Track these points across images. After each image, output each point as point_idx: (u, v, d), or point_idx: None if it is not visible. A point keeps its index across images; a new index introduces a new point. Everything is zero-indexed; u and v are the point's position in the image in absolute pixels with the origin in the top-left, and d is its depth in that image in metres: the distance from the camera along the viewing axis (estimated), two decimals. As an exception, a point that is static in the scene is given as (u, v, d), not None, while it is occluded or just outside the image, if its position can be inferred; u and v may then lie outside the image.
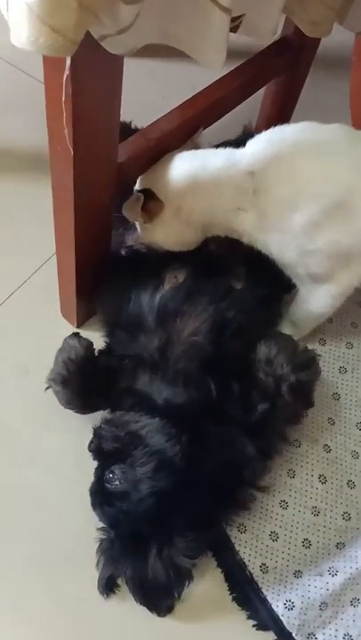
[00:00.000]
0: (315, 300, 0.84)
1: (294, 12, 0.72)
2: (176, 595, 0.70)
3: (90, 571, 0.71)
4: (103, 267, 0.83)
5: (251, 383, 0.74)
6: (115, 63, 0.55)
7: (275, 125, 0.77)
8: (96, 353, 0.80)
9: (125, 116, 0.84)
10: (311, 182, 0.72)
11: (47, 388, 0.79)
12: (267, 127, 0.78)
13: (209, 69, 0.58)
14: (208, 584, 0.75)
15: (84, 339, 0.79)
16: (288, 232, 0.74)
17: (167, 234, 0.79)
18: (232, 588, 0.74)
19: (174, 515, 0.69)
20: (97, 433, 0.72)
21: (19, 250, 1.01)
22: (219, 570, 0.76)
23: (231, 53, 0.73)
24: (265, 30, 0.66)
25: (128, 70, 0.59)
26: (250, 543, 0.77)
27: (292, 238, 0.75)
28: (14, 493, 0.79)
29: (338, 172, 0.73)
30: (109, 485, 0.69)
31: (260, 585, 0.74)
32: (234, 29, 0.65)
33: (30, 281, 0.97)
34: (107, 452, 0.71)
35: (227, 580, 0.75)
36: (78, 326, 0.91)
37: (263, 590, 0.74)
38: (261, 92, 1.02)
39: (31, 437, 0.83)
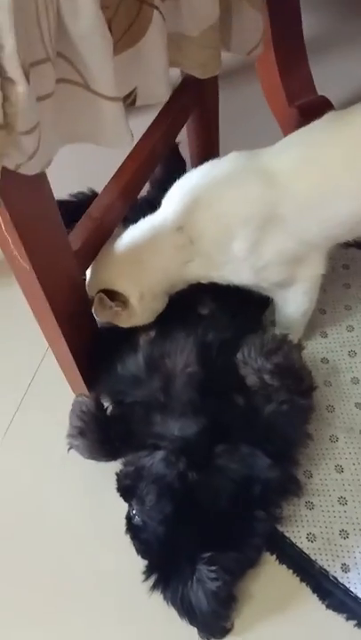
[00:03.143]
0: (291, 303, 0.88)
1: (181, 63, 0.77)
2: (224, 617, 0.74)
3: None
4: (97, 343, 0.87)
5: (252, 391, 0.79)
6: (38, 175, 0.60)
7: (207, 158, 0.83)
8: (109, 406, 0.85)
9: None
10: (234, 213, 0.77)
11: (69, 449, 0.83)
12: (200, 162, 0.83)
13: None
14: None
15: (91, 392, 0.84)
16: (236, 260, 0.79)
17: (143, 314, 0.84)
18: (323, 598, 0.76)
19: (192, 539, 0.74)
20: (116, 475, 0.79)
21: (19, 350, 1.06)
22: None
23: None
24: (160, 93, 0.70)
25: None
26: (324, 549, 0.79)
27: (242, 263, 0.79)
28: (99, 581, 0.82)
29: (250, 192, 0.77)
30: (134, 521, 0.76)
31: (348, 585, 0.76)
32: (132, 103, 0.70)
33: (36, 378, 1.02)
34: (124, 490, 0.78)
35: (315, 591, 0.77)
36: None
37: (352, 589, 0.76)
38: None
39: (90, 522, 0.87)
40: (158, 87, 0.69)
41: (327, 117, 0.80)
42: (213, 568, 0.72)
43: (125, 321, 0.84)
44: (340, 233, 0.82)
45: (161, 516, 0.74)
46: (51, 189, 0.64)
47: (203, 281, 0.84)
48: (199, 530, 0.75)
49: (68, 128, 0.59)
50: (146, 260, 0.80)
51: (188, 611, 0.74)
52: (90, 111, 0.57)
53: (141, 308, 0.82)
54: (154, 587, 0.76)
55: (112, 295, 0.80)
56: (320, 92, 1.22)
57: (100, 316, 0.80)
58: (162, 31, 0.64)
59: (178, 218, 0.78)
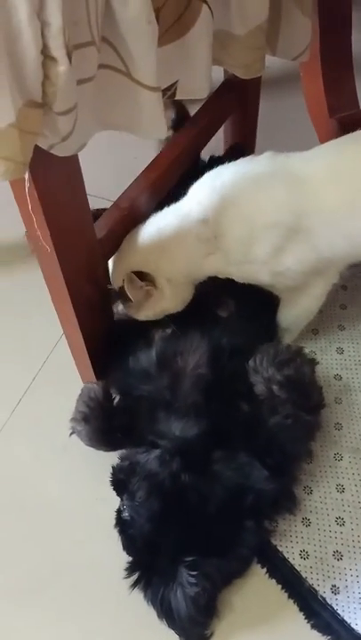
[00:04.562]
0: (299, 306, 0.88)
1: (224, 61, 0.76)
2: (202, 625, 0.73)
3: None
4: (111, 334, 0.87)
5: (258, 401, 0.78)
6: (69, 158, 0.60)
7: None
8: (115, 396, 0.84)
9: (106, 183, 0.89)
10: (261, 217, 0.76)
11: (71, 434, 0.83)
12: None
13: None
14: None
15: (101, 380, 0.84)
16: (255, 262, 0.78)
17: (172, 298, 0.83)
18: (309, 617, 0.75)
19: (177, 541, 0.73)
20: (112, 468, 0.79)
21: (33, 333, 1.06)
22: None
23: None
24: (201, 88, 0.70)
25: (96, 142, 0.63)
26: (316, 568, 0.78)
27: (260, 266, 0.79)
28: (83, 570, 0.81)
29: (280, 198, 0.76)
30: (123, 515, 0.76)
31: (335, 607, 0.74)
32: (172, 96, 0.70)
33: (48, 362, 1.02)
34: (117, 483, 0.77)
35: (301, 609, 0.75)
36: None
37: (339, 612, 0.74)
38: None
39: (83, 511, 0.86)
40: (199, 83, 0.69)
41: None
42: (194, 573, 0.71)
43: (156, 303, 0.83)
44: None
45: (149, 514, 0.74)
46: (81, 174, 0.64)
47: (220, 275, 0.83)
48: (185, 532, 0.74)
49: (106, 114, 0.58)
50: (170, 247, 0.79)
51: (166, 613, 0.73)
52: (129, 99, 0.57)
53: (170, 291, 0.81)
54: (135, 584, 0.75)
55: (140, 278, 0.80)
56: (363, 108, 1.20)
57: (132, 296, 0.79)
58: (209, 27, 0.64)
59: (204, 210, 0.78)
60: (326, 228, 0.76)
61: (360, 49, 1.22)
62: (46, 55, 0.46)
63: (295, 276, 0.81)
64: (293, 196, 0.76)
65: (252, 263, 0.79)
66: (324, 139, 1.22)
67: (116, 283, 0.82)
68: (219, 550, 0.75)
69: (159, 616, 0.73)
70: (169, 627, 0.73)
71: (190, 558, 0.72)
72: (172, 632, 0.73)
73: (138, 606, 0.75)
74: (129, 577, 0.76)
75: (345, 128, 1.16)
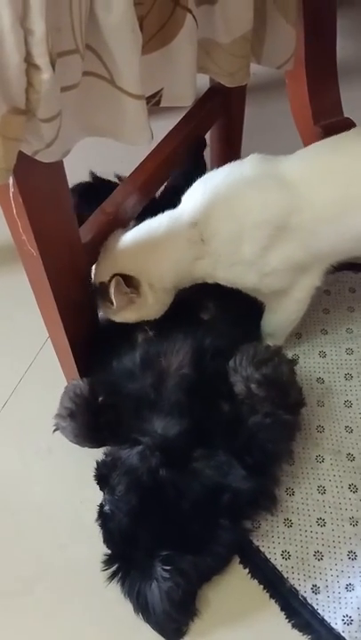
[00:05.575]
0: (283, 311, 0.90)
1: (209, 69, 0.77)
2: (177, 620, 0.74)
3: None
4: (96, 336, 0.88)
5: (238, 401, 0.79)
6: (54, 163, 0.60)
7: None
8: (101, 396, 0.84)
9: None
10: (249, 214, 0.77)
11: (55, 430, 0.83)
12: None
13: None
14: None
15: (87, 378, 0.84)
16: (244, 263, 0.80)
17: (154, 305, 0.83)
18: (290, 617, 0.76)
19: (154, 535, 0.74)
20: (96, 463, 0.80)
21: (19, 336, 1.07)
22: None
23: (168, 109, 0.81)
24: (185, 96, 0.71)
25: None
26: (297, 568, 0.79)
27: (249, 267, 0.80)
28: (67, 572, 0.82)
29: (268, 197, 0.78)
30: (104, 509, 0.77)
31: (316, 607, 0.76)
32: (156, 103, 0.71)
33: (34, 364, 1.02)
34: (100, 478, 0.78)
35: (283, 609, 0.76)
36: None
37: (319, 611, 0.75)
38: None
39: (68, 513, 0.86)
40: (184, 90, 0.70)
41: (355, 131, 0.80)
42: (168, 567, 0.72)
43: (136, 310, 0.83)
44: (352, 247, 0.83)
45: (127, 507, 0.75)
46: (66, 179, 0.65)
47: (209, 280, 0.84)
48: (162, 527, 0.75)
49: (90, 121, 0.59)
50: (159, 250, 0.80)
51: (142, 607, 0.74)
52: (112, 106, 0.58)
53: (153, 298, 0.81)
54: (112, 577, 0.76)
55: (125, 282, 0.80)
56: (347, 115, 1.22)
57: (116, 301, 0.79)
58: (193, 35, 0.65)
59: (194, 214, 0.79)
60: (315, 227, 0.78)
61: (345, 56, 1.24)
62: (30, 63, 0.47)
63: (282, 275, 0.82)
64: (283, 196, 0.78)
65: (239, 264, 0.81)
66: (308, 144, 1.24)
67: (98, 278, 0.81)
68: (194, 547, 0.75)
69: (135, 610, 0.74)
70: (145, 621, 0.74)
71: (165, 552, 0.73)
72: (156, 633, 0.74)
73: (122, 607, 0.75)
74: (107, 569, 0.76)
75: (328, 134, 1.17)
